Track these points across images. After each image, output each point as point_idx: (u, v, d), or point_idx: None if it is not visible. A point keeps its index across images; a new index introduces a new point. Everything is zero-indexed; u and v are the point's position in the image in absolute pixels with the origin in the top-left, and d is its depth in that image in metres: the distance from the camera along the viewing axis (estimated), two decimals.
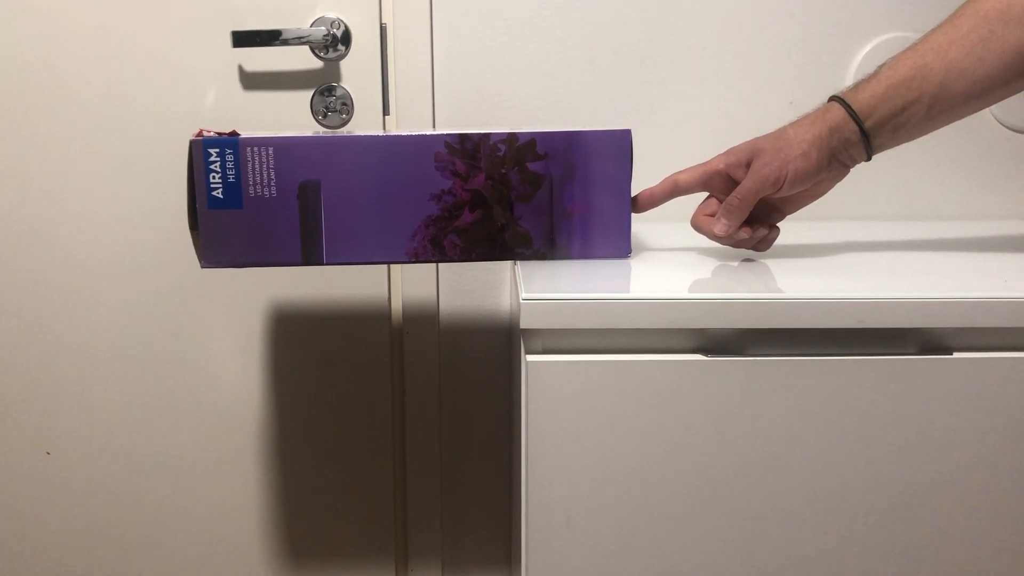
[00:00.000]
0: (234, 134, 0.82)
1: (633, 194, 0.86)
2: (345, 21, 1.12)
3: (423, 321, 1.20)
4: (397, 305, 1.20)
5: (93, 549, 1.25)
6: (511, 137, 0.83)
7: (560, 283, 0.78)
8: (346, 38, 1.12)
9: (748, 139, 0.85)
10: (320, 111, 1.14)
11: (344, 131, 1.12)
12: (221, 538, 1.25)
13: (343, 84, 1.14)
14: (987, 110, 1.12)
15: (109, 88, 1.13)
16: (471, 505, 1.27)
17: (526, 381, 0.74)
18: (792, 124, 0.83)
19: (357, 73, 1.13)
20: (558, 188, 0.84)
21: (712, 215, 0.86)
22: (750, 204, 0.83)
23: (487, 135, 0.83)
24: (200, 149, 0.81)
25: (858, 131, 0.81)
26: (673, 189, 0.87)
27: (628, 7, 1.13)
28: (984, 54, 0.78)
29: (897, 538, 0.78)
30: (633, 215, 0.86)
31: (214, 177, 0.81)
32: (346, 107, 1.14)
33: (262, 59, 1.13)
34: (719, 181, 0.86)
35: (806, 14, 1.13)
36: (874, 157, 0.83)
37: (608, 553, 0.78)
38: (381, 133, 0.84)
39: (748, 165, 0.83)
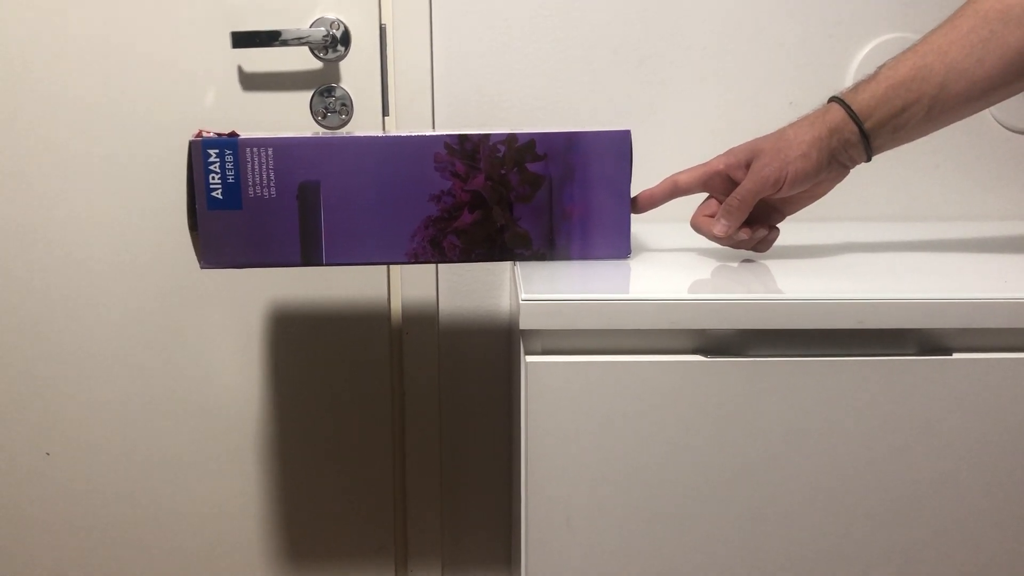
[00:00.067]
0: (233, 135, 0.82)
1: (633, 195, 0.86)
2: (344, 22, 1.12)
3: (423, 322, 1.20)
4: (397, 306, 1.20)
5: (93, 549, 1.25)
6: (511, 138, 0.83)
7: (560, 284, 0.78)
8: (345, 39, 1.12)
9: (748, 140, 0.85)
10: (319, 112, 1.14)
11: (343, 132, 1.12)
12: (221, 538, 1.25)
13: (342, 85, 1.14)
14: (987, 111, 1.12)
15: (108, 89, 1.13)
16: (471, 505, 1.27)
17: (526, 382, 0.74)
18: (792, 125, 0.83)
19: (356, 74, 1.13)
20: (557, 189, 0.84)
21: (712, 216, 0.86)
22: (750, 205, 0.83)
23: (486, 136, 0.83)
24: (199, 150, 0.81)
25: (858, 132, 0.81)
26: (673, 190, 0.87)
27: (628, 7, 1.13)
28: (984, 55, 0.78)
29: (897, 538, 0.78)
30: (633, 216, 0.86)
31: (213, 178, 0.81)
32: (345, 108, 1.14)
33: (262, 60, 1.13)
34: (719, 182, 0.86)
35: (806, 14, 1.13)
36: (874, 158, 0.83)
37: (608, 553, 0.78)
38: (380, 134, 0.84)
39: (748, 166, 0.83)
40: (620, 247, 0.86)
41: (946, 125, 0.82)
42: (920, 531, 0.77)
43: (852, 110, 0.80)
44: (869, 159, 0.83)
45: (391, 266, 1.19)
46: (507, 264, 1.17)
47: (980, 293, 0.74)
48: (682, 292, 0.75)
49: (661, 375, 0.74)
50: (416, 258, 0.84)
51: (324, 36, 1.10)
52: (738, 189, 0.83)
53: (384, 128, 1.15)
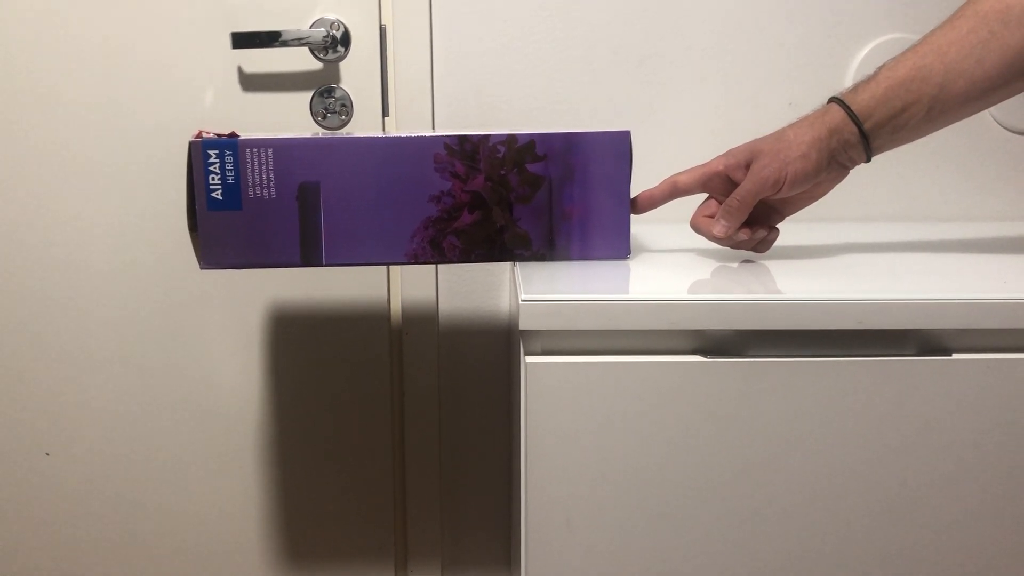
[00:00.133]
0: (233, 135, 0.82)
1: (632, 195, 0.86)
2: (344, 22, 1.12)
3: (422, 322, 1.20)
4: (396, 306, 1.20)
5: (93, 550, 1.25)
6: (510, 138, 0.83)
7: (559, 284, 0.78)
8: (345, 39, 1.12)
9: (748, 140, 0.85)
10: (319, 112, 1.14)
11: (343, 132, 1.12)
12: (221, 538, 1.25)
13: (342, 85, 1.14)
14: (986, 112, 1.12)
15: (108, 89, 1.13)
16: (471, 505, 1.27)
17: (525, 382, 0.74)
18: (791, 125, 0.83)
19: (356, 74, 1.13)
20: (557, 189, 0.84)
21: (711, 216, 0.86)
22: (749, 205, 0.83)
23: (486, 136, 0.83)
24: (199, 150, 0.81)
25: (857, 132, 0.81)
26: (672, 190, 0.87)
27: (628, 7, 1.13)
28: (983, 55, 0.78)
29: (897, 538, 0.78)
30: (632, 216, 0.86)
31: (213, 178, 0.81)
32: (345, 108, 1.14)
33: (262, 60, 1.13)
34: (718, 182, 0.86)
35: (806, 14, 1.13)
36: (874, 158, 0.83)
37: (607, 553, 0.78)
38: (380, 134, 0.84)
39: (747, 167, 0.83)
40: (620, 248, 0.86)
41: (946, 125, 0.82)
42: (920, 531, 0.77)
43: (852, 111, 0.80)
44: (869, 160, 0.83)
45: (391, 267, 1.19)
46: (507, 265, 1.17)
47: (980, 294, 0.74)
48: (681, 292, 0.75)
49: (660, 375, 0.74)
50: (416, 259, 0.84)
51: (324, 37, 1.10)
52: (738, 190, 0.83)
53: (384, 129, 1.15)
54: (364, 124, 1.14)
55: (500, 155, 0.83)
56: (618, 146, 0.84)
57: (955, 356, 0.75)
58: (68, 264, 1.17)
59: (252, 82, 1.13)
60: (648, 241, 0.97)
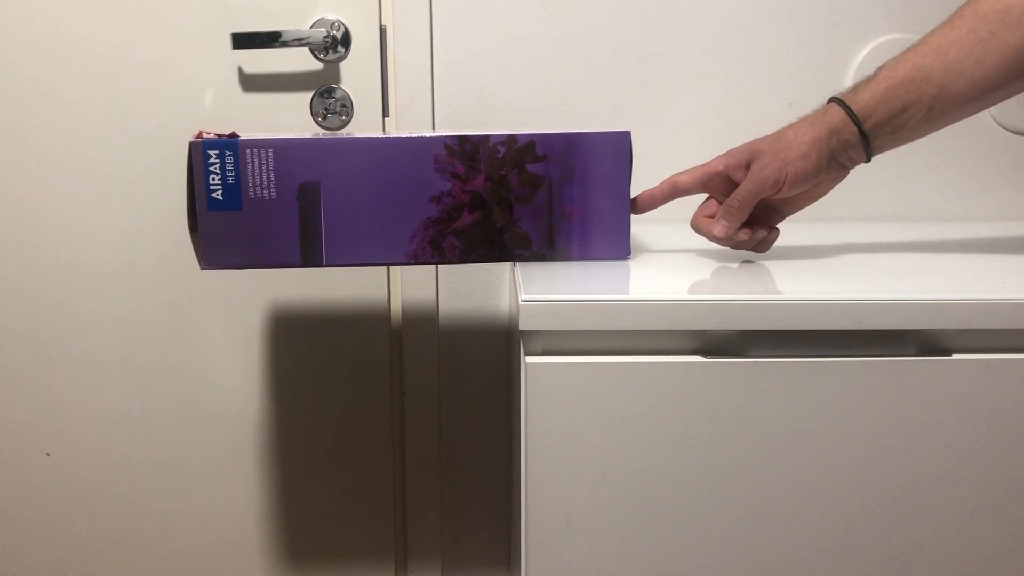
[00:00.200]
0: (234, 136, 0.82)
1: (632, 195, 0.86)
2: (345, 23, 1.12)
3: (423, 322, 1.20)
4: (397, 307, 1.20)
5: (92, 550, 1.25)
6: (510, 139, 0.83)
7: (559, 284, 0.78)
8: (346, 40, 1.12)
9: (748, 140, 0.85)
10: (320, 113, 1.14)
11: (344, 133, 1.12)
12: (221, 538, 1.25)
13: (343, 86, 1.14)
14: (986, 112, 1.12)
15: (109, 89, 1.13)
16: (471, 506, 1.27)
17: (526, 382, 0.75)
18: (791, 126, 0.83)
19: (357, 75, 1.13)
20: (557, 190, 0.84)
21: (712, 216, 0.86)
22: (749, 206, 0.83)
23: (486, 137, 0.83)
24: (200, 151, 0.81)
25: (857, 132, 0.81)
26: (673, 190, 0.87)
27: (628, 7, 1.13)
28: (983, 55, 0.78)
29: (897, 539, 0.78)
30: (632, 217, 0.86)
31: (214, 179, 0.81)
32: (346, 109, 1.14)
33: (262, 61, 1.13)
34: (719, 183, 0.86)
35: (806, 14, 1.13)
36: (874, 159, 0.83)
37: (608, 554, 0.78)
38: (380, 135, 0.84)
39: (747, 167, 0.83)
40: (620, 248, 0.86)
41: (946, 125, 0.82)
42: (920, 531, 0.77)
43: (852, 111, 0.80)
44: (869, 160, 0.83)
45: (391, 267, 1.19)
46: (507, 265, 1.17)
47: (979, 294, 0.74)
48: (682, 293, 0.75)
49: (661, 376, 0.74)
50: (416, 259, 0.84)
51: (324, 37, 1.10)
52: (738, 190, 0.83)
53: (384, 129, 1.15)
54: (364, 124, 1.14)
55: (500, 155, 0.83)
56: (618, 146, 0.84)
57: (955, 356, 0.75)
58: (68, 264, 1.17)
59: (252, 82, 1.13)
60: (648, 241, 0.97)
